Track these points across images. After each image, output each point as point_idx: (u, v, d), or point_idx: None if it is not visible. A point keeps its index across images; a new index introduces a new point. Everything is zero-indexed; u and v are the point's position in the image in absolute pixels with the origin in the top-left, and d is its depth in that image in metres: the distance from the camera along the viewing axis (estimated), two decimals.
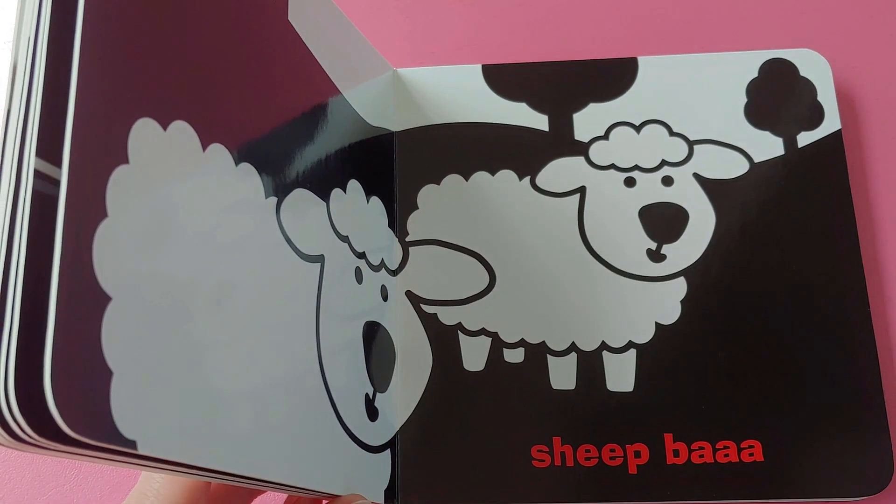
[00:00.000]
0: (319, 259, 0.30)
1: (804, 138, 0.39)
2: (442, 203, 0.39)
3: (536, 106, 0.40)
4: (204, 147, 0.23)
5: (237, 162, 0.25)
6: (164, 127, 0.21)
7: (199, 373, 0.21)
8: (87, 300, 0.17)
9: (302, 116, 0.30)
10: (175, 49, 0.22)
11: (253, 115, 0.26)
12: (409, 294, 0.37)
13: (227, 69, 0.25)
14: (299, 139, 0.29)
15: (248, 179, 0.25)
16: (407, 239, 0.38)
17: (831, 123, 0.39)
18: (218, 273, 0.23)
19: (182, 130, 0.22)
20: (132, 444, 0.18)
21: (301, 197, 0.29)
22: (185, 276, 0.21)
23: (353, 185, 0.34)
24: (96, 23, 0.18)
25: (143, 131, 0.20)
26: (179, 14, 0.22)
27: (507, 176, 0.39)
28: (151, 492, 0.25)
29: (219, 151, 0.24)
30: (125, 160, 0.19)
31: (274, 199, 0.27)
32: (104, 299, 0.18)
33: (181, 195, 0.21)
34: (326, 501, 0.30)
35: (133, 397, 0.18)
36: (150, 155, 0.20)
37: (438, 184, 0.39)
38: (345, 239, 0.32)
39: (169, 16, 0.22)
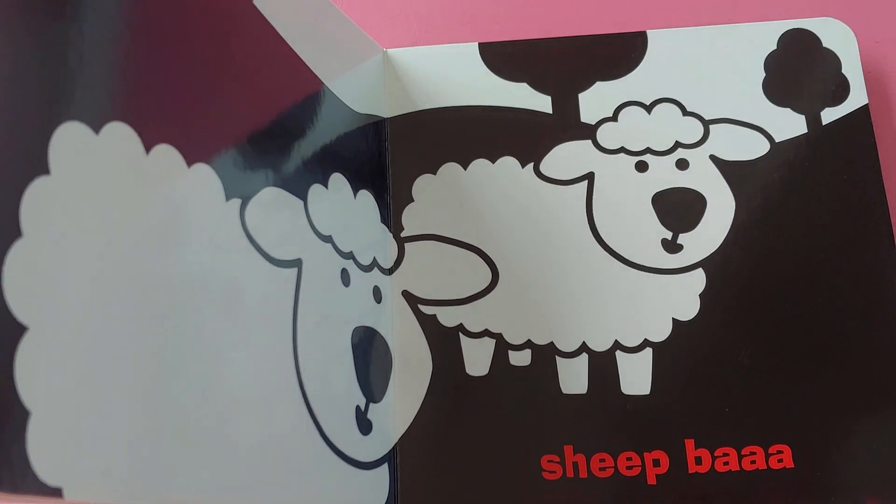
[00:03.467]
0: (296, 263, 0.28)
1: (828, 115, 0.36)
2: (439, 194, 0.36)
3: (539, 86, 0.37)
4: (147, 149, 0.21)
5: (189, 163, 0.23)
6: (96, 130, 0.19)
7: (145, 402, 0.20)
8: None
9: (272, 109, 0.28)
10: (109, 42, 0.20)
11: (210, 110, 0.24)
12: (405, 294, 0.35)
13: (176, 62, 0.23)
14: (269, 134, 0.27)
15: (204, 181, 0.23)
16: (402, 234, 0.36)
17: (858, 98, 0.36)
18: (164, 288, 0.21)
19: (118, 132, 0.20)
20: (57, 491, 0.16)
21: (271, 196, 0.27)
22: (119, 296, 0.19)
23: (337, 179, 0.32)
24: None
25: (68, 137, 0.18)
26: (113, 4, 0.20)
27: (508, 163, 0.36)
28: None
29: (166, 152, 0.22)
30: (45, 171, 0.17)
31: (237, 202, 0.25)
32: (18, 330, 0.16)
33: (118, 205, 0.20)
34: None
35: (56, 439, 0.16)
36: (78, 163, 0.18)
37: (435, 173, 0.36)
38: (328, 239, 0.30)
39: (98, 6, 0.20)
